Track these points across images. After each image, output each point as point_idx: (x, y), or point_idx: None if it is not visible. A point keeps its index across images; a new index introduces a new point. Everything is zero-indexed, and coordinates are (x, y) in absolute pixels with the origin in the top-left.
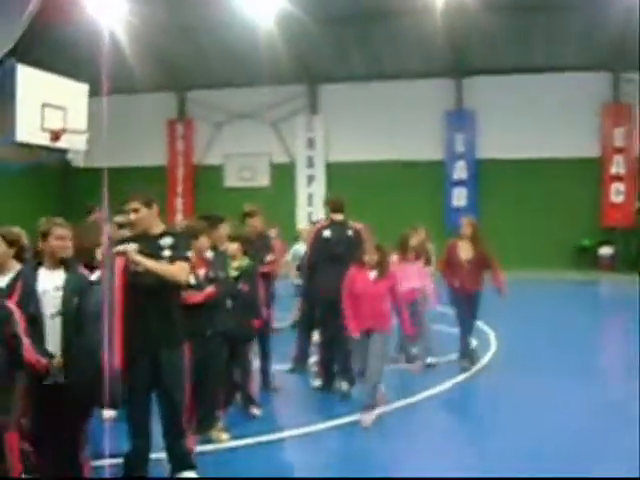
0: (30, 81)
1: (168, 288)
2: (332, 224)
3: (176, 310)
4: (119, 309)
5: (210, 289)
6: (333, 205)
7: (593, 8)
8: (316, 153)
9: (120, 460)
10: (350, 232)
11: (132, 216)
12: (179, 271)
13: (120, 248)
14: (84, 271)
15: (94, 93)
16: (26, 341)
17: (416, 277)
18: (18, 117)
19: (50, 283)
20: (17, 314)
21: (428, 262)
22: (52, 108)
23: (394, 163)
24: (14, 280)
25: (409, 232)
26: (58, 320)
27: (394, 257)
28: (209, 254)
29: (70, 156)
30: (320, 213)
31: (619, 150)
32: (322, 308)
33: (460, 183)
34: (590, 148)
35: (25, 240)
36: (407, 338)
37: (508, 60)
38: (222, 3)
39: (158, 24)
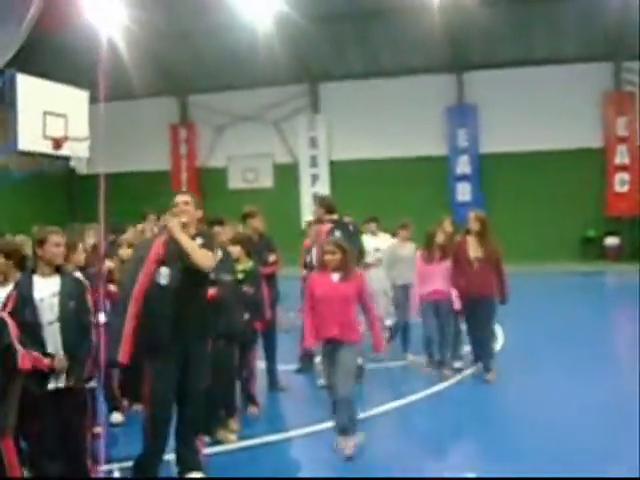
0: (31, 90)
1: (199, 280)
2: (337, 224)
3: (205, 303)
4: (137, 304)
5: (212, 291)
6: (330, 206)
7: None
8: (319, 152)
9: (128, 464)
10: (352, 228)
11: (183, 207)
12: (205, 256)
13: (164, 221)
14: (78, 275)
15: (95, 100)
16: (20, 349)
17: (440, 279)
18: (20, 126)
19: (46, 290)
20: (11, 324)
21: None
22: (53, 116)
23: (397, 160)
24: (13, 290)
25: (435, 228)
26: (57, 326)
27: (418, 255)
28: None
29: (73, 163)
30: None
31: (622, 139)
32: None
33: (464, 178)
34: (593, 138)
35: (27, 249)
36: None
37: (508, 53)
38: (220, 6)
39: (157, 29)
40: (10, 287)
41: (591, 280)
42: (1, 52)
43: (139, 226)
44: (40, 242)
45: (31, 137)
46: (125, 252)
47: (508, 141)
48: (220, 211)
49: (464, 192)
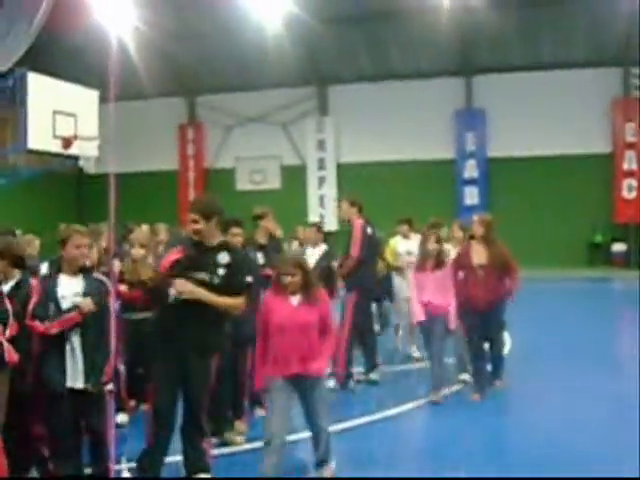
0: (41, 89)
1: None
2: (367, 222)
3: (214, 319)
4: None
5: None
6: (360, 205)
7: (601, 3)
8: (327, 155)
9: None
10: (376, 229)
11: (191, 228)
12: (235, 305)
13: (176, 288)
14: (102, 277)
15: (104, 100)
16: (5, 343)
17: (433, 290)
18: (30, 124)
19: (69, 289)
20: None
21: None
22: (63, 115)
23: (405, 163)
24: (14, 289)
25: (426, 233)
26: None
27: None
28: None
29: (81, 163)
30: (331, 215)
31: (631, 145)
32: (368, 302)
33: (471, 182)
34: (601, 144)
35: (31, 248)
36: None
37: (517, 58)
38: (230, 8)
39: (166, 30)
40: (7, 286)
41: (597, 286)
42: (11, 51)
43: (143, 226)
44: (62, 241)
45: (41, 136)
46: (137, 252)
47: (516, 145)
48: (227, 212)
49: (471, 196)
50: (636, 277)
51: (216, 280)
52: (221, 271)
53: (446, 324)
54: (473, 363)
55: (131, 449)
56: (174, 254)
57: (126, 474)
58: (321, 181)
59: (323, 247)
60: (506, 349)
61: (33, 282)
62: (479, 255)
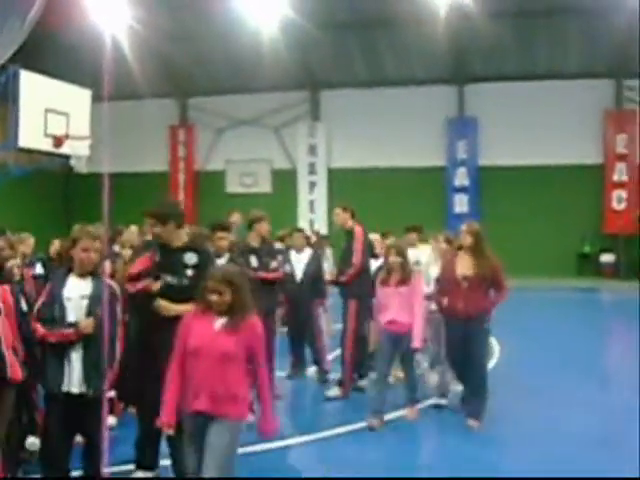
0: (33, 87)
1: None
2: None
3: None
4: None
5: None
6: (352, 210)
7: (596, 15)
8: (318, 159)
9: (125, 467)
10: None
11: (150, 231)
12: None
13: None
14: (111, 282)
15: (96, 99)
16: (11, 359)
17: (398, 306)
18: (21, 122)
19: (76, 291)
20: (6, 330)
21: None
22: (55, 114)
23: (396, 170)
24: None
25: (395, 243)
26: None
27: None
28: (218, 261)
29: (73, 162)
30: (322, 220)
31: (621, 157)
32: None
33: (462, 190)
34: (592, 155)
35: (24, 247)
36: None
37: (510, 67)
38: (225, 10)
39: (160, 30)
40: None
41: (586, 296)
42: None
43: (132, 227)
44: (73, 242)
45: (32, 134)
46: (128, 253)
47: (507, 154)
48: (217, 215)
49: (461, 204)
50: (624, 288)
51: (185, 281)
52: (189, 272)
53: (409, 343)
54: (466, 386)
55: (122, 452)
56: (142, 262)
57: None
58: (312, 186)
59: (308, 252)
60: (493, 359)
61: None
62: (464, 266)
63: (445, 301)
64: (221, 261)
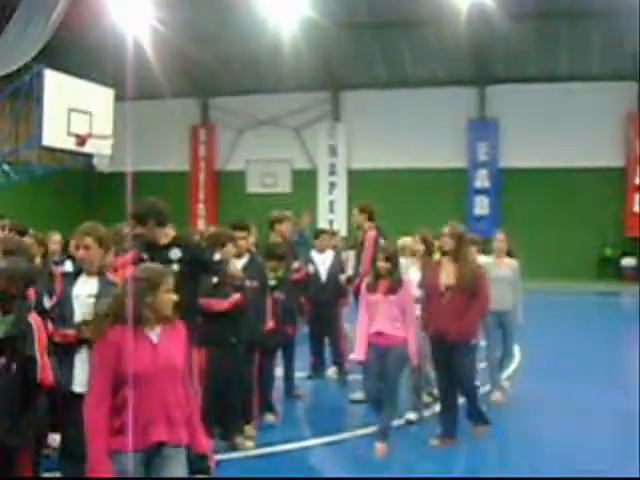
0: (57, 86)
1: (183, 298)
2: (379, 230)
3: (188, 317)
4: None
5: (236, 297)
6: (372, 212)
7: (618, 16)
8: (338, 160)
9: None
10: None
11: (132, 233)
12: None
13: None
14: (117, 279)
15: (118, 98)
16: (43, 362)
17: (385, 317)
18: (45, 121)
19: (84, 289)
20: (39, 332)
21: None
22: (78, 113)
23: (416, 171)
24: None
25: (387, 246)
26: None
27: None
28: (237, 262)
29: (95, 160)
30: (342, 221)
31: None
32: None
33: (482, 191)
34: (614, 158)
35: (30, 251)
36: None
37: (531, 69)
38: (246, 10)
39: (183, 31)
40: None
41: (607, 300)
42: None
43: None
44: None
45: (55, 133)
46: None
47: (528, 157)
48: (237, 214)
49: (482, 206)
50: None
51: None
52: (174, 267)
53: (403, 357)
54: (441, 405)
55: None
56: (125, 259)
57: None
58: (332, 186)
59: (331, 253)
60: (515, 363)
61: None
62: (448, 274)
63: (428, 316)
64: (241, 261)
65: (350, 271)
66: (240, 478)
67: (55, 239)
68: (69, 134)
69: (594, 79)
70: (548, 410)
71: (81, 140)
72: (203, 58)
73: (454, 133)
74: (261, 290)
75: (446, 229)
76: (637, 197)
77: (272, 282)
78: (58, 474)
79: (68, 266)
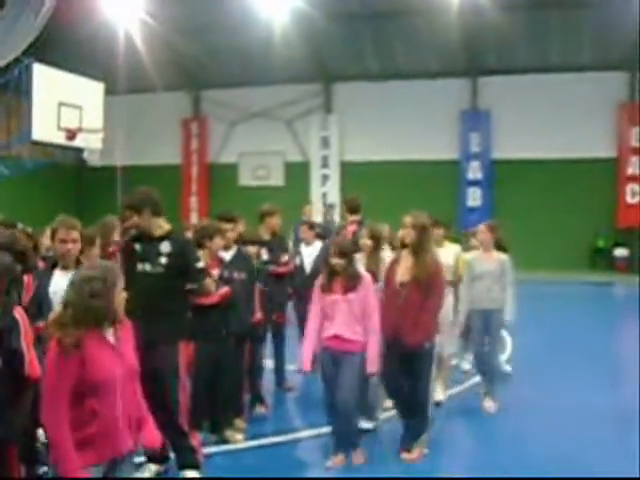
0: (46, 80)
1: (172, 291)
2: (360, 225)
3: (177, 310)
4: None
5: (225, 289)
6: (354, 207)
7: (609, 7)
8: (330, 152)
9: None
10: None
11: (129, 223)
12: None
13: None
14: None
15: (109, 92)
16: (31, 356)
17: (343, 319)
18: (34, 116)
19: (61, 284)
20: (24, 326)
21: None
22: (68, 107)
23: (408, 163)
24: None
25: (341, 239)
26: None
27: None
28: (225, 254)
29: (86, 155)
30: (334, 213)
31: (635, 150)
32: None
33: (475, 183)
34: (606, 148)
35: (22, 243)
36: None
37: (523, 59)
38: (237, 2)
39: (173, 23)
40: None
41: (599, 290)
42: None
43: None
44: (52, 233)
45: (45, 127)
46: None
47: (520, 148)
48: (230, 207)
49: (474, 197)
50: (638, 282)
51: (159, 269)
52: (163, 260)
53: (361, 367)
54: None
55: None
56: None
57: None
58: (324, 179)
59: (318, 244)
60: (506, 352)
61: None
62: (406, 270)
63: (381, 317)
64: (229, 253)
65: None
66: (231, 478)
67: (48, 233)
68: (59, 128)
69: (585, 69)
70: (540, 403)
71: (71, 134)
72: (194, 51)
73: (446, 125)
74: (249, 282)
75: (408, 219)
76: (629, 188)
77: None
78: (46, 468)
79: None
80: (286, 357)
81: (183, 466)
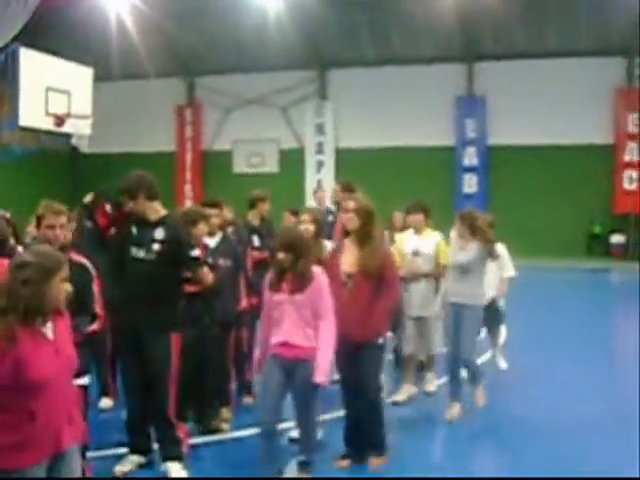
0: (34, 65)
1: (163, 279)
2: None
3: (169, 298)
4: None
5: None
6: (350, 189)
7: None
8: (325, 139)
9: (119, 450)
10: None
11: (126, 208)
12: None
13: None
14: (84, 261)
15: (100, 78)
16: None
17: (292, 322)
18: (22, 101)
19: None
20: None
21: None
22: (56, 92)
23: (404, 149)
24: None
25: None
26: None
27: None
28: (210, 240)
29: (74, 141)
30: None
31: (632, 136)
32: None
33: (471, 169)
34: (603, 134)
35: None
36: None
37: (519, 45)
38: None
39: (166, 9)
40: None
41: (596, 277)
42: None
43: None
44: (38, 219)
45: (33, 113)
46: None
47: (516, 134)
48: (224, 194)
49: (470, 184)
50: (634, 269)
51: (152, 256)
52: (156, 247)
53: (310, 375)
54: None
55: (117, 435)
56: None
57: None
58: (319, 165)
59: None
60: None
61: None
62: (351, 260)
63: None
64: (214, 240)
65: None
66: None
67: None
68: (47, 114)
69: (582, 54)
70: (536, 389)
71: (59, 120)
72: (188, 37)
73: (442, 110)
74: (234, 269)
75: (350, 203)
76: (626, 174)
77: None
78: None
79: None
80: None
81: (167, 458)
